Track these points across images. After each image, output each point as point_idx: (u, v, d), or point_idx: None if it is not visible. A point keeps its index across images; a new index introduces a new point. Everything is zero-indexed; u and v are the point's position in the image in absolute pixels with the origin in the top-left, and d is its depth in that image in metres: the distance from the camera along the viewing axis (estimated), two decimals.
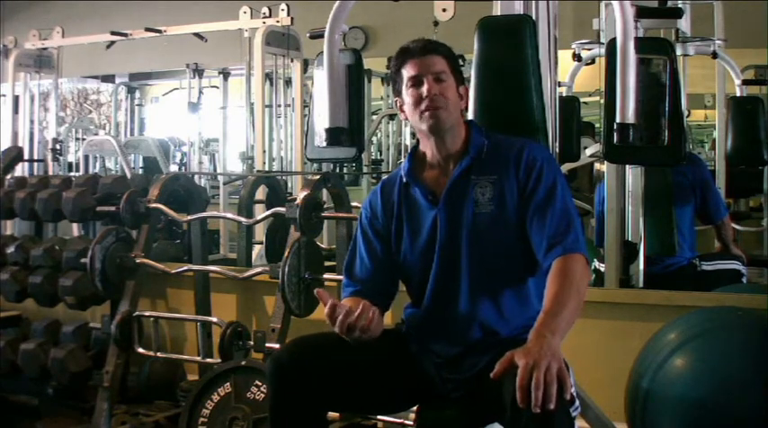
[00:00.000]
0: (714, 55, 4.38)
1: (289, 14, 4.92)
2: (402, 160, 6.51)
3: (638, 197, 3.56)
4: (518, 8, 2.41)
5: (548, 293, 1.88)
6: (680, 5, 3.74)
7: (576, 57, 4.74)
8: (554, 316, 1.81)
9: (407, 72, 2.07)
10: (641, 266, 3.55)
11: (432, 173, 2.13)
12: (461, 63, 2.33)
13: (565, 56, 4.55)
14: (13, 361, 3.69)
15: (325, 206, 3.50)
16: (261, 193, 4.65)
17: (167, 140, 7.85)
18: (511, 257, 2.05)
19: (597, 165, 5.33)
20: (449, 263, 2.07)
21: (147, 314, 3.48)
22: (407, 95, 2.08)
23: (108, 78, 8.74)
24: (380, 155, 7.62)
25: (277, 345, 3.04)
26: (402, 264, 2.14)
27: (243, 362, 3.07)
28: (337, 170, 6.28)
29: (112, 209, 3.59)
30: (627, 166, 3.48)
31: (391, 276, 2.17)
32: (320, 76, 2.58)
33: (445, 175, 2.10)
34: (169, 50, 6.63)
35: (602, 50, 2.74)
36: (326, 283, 3.22)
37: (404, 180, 2.15)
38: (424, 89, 2.04)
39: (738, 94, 4.91)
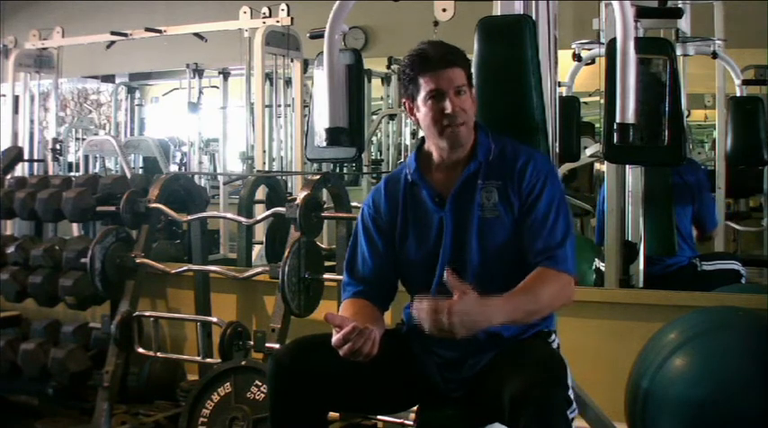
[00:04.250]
0: (714, 55, 4.38)
1: (289, 14, 4.92)
2: (402, 160, 6.55)
3: (638, 197, 3.56)
4: (518, 8, 2.41)
5: (521, 284, 1.96)
6: (680, 5, 3.74)
7: (576, 58, 4.75)
8: (511, 303, 1.91)
9: (427, 84, 2.03)
10: (641, 266, 3.55)
11: (439, 175, 2.12)
12: None
13: (565, 56, 4.55)
14: (13, 361, 3.68)
15: (325, 206, 3.50)
16: (261, 193, 4.66)
17: (167, 140, 7.85)
18: (514, 261, 2.05)
19: (597, 165, 5.33)
20: (454, 265, 2.06)
21: (147, 314, 3.48)
22: (425, 106, 2.05)
23: (108, 78, 8.73)
24: (380, 155, 7.63)
25: (277, 345, 3.04)
26: (405, 264, 2.14)
27: (243, 362, 3.07)
28: (337, 170, 6.29)
29: (112, 209, 3.59)
30: (627, 166, 3.48)
31: (393, 274, 2.16)
32: (320, 76, 2.57)
33: (452, 178, 2.10)
34: (169, 50, 6.62)
35: (602, 50, 2.74)
36: (326, 283, 3.23)
37: (410, 179, 2.14)
38: (447, 105, 2.01)
39: (738, 94, 4.90)
